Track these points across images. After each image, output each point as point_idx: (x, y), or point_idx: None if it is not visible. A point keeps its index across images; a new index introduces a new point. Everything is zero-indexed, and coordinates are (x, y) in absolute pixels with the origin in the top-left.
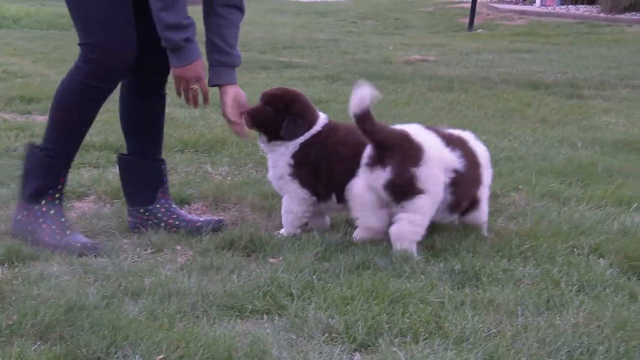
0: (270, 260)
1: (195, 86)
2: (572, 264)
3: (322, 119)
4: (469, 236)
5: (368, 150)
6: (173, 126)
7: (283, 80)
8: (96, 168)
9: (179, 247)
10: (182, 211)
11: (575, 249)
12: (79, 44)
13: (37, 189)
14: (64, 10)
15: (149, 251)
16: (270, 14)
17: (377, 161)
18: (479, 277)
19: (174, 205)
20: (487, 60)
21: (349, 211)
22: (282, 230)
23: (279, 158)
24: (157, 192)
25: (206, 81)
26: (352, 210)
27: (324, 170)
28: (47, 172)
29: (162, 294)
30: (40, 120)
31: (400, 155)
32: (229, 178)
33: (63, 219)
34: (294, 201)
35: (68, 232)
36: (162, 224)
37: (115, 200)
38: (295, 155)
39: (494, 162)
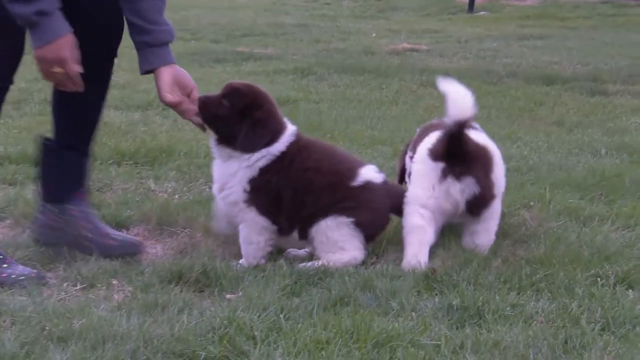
0: (228, 296)
1: (59, 70)
2: (594, 297)
3: (289, 133)
4: (469, 264)
5: (440, 165)
6: (107, 133)
7: (242, 75)
8: (12, 185)
9: (115, 282)
10: (100, 222)
11: (599, 279)
12: None
13: None
14: None
15: (78, 287)
16: None
17: (460, 173)
18: (482, 314)
19: (93, 213)
20: (491, 49)
21: (311, 248)
22: (241, 261)
23: (231, 179)
24: (77, 190)
25: (74, 66)
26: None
27: (289, 202)
28: None
29: (94, 339)
30: None
31: (482, 164)
32: (177, 196)
33: None
34: (252, 230)
35: (4, 265)
36: (73, 232)
37: None
38: (252, 181)
39: None
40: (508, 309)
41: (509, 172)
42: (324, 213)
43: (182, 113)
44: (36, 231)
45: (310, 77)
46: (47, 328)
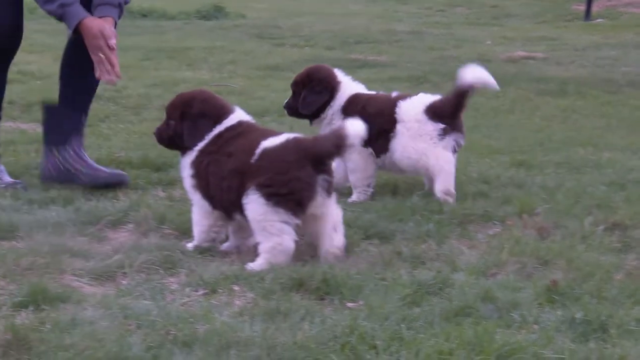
0: (349, 304)
1: (108, 39)
2: None
3: (231, 119)
4: (592, 277)
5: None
6: None
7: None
8: (133, 190)
9: (236, 288)
10: (92, 161)
11: None
12: None
13: None
14: None
15: (200, 292)
16: (339, 1)
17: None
18: (606, 328)
19: (85, 155)
20: (609, 58)
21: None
22: (190, 243)
23: (184, 167)
24: (72, 136)
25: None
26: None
27: (215, 185)
28: None
29: (218, 345)
30: None
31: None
32: None
33: None
34: (198, 213)
35: None
36: (69, 168)
37: (159, 228)
38: (192, 164)
39: (620, 185)
40: (633, 323)
41: (630, 184)
42: (242, 195)
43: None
44: (42, 172)
45: (425, 85)
46: (171, 332)
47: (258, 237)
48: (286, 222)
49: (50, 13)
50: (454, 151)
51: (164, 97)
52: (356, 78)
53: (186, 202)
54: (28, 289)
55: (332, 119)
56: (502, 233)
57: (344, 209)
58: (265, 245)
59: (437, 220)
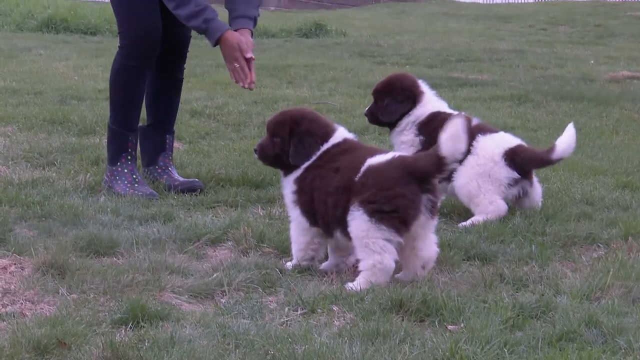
0: (450, 327)
1: (245, 52)
2: None
3: (336, 137)
4: None
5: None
6: None
7: (458, 101)
8: (233, 208)
9: (335, 308)
10: (175, 173)
11: None
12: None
13: (112, 154)
14: None
15: (299, 312)
16: (441, 20)
17: None
18: None
19: (170, 168)
20: None
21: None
22: (288, 263)
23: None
24: (159, 156)
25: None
26: None
27: (319, 202)
28: (116, 140)
29: None
30: None
31: None
32: None
33: (134, 176)
34: (296, 230)
35: (136, 185)
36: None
37: (259, 246)
38: (296, 181)
39: None
40: None
41: None
42: (346, 212)
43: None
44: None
45: (528, 104)
46: (270, 352)
47: (359, 254)
48: (389, 240)
49: (194, 28)
50: (518, 197)
51: (264, 114)
52: (457, 97)
53: (285, 220)
54: (127, 305)
55: (405, 129)
56: (607, 256)
57: (445, 229)
58: (366, 263)
59: (539, 242)
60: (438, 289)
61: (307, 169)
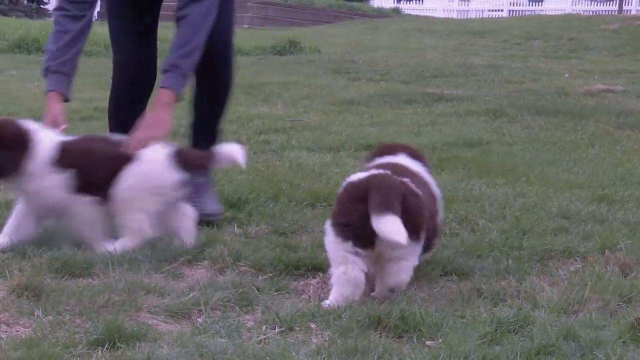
0: (428, 343)
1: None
2: None
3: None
4: None
5: None
6: (300, 175)
7: (433, 116)
8: (209, 226)
9: (313, 326)
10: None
11: None
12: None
13: None
14: (166, 32)
15: (276, 330)
16: (414, 35)
17: None
18: None
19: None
20: None
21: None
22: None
23: None
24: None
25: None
26: None
27: None
28: None
29: None
30: None
31: None
32: None
33: None
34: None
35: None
36: None
37: (235, 265)
38: None
39: None
40: None
41: None
42: None
43: None
44: None
45: (503, 119)
46: None
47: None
48: (350, 252)
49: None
50: None
51: (239, 132)
52: (433, 112)
53: (261, 238)
54: (104, 326)
55: None
56: (584, 269)
57: None
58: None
59: (516, 256)
60: (416, 304)
61: None
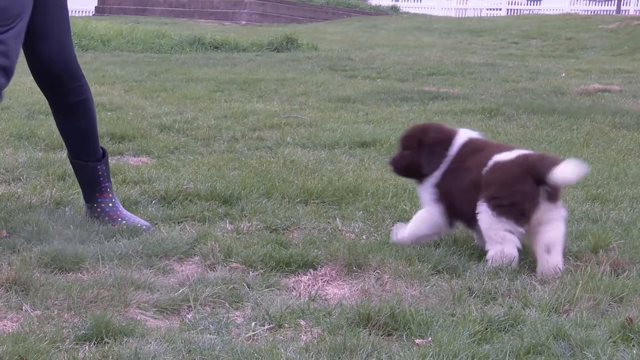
0: (417, 341)
1: None
2: None
3: (460, 139)
4: None
5: None
6: (294, 171)
7: (429, 114)
8: (201, 222)
9: (302, 323)
10: (122, 211)
11: None
12: None
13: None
14: (163, 28)
15: (266, 327)
16: (412, 34)
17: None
18: None
19: (110, 205)
20: None
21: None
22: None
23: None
24: (94, 192)
25: None
26: None
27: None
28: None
29: None
30: (134, 163)
31: None
32: (364, 237)
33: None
34: (424, 220)
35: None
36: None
37: (226, 261)
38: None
39: None
40: None
41: None
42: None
43: None
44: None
45: (499, 118)
46: None
47: (487, 245)
48: (509, 231)
49: None
50: None
51: (234, 128)
52: (429, 110)
53: (253, 235)
54: (92, 322)
55: None
56: (576, 269)
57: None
58: (490, 253)
59: None
60: (406, 302)
61: (442, 174)
